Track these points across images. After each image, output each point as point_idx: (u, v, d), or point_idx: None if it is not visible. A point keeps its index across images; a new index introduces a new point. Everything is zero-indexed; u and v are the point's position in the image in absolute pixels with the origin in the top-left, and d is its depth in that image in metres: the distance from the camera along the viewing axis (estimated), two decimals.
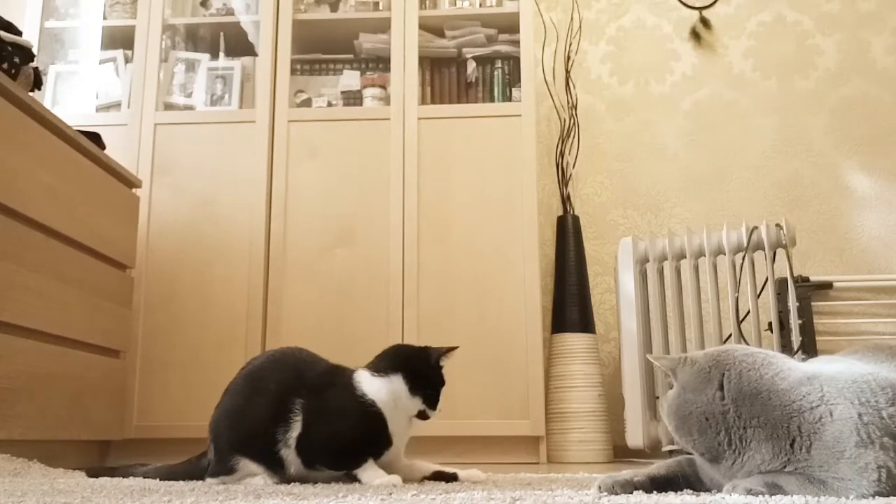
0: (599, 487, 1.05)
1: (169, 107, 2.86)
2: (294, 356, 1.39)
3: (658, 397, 2.43)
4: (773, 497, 0.93)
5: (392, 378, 1.31)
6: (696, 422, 0.99)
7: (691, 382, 1.02)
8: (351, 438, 1.28)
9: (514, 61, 2.89)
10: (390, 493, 1.07)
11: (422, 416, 1.32)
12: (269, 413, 1.30)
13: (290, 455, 1.29)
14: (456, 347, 1.38)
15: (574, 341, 2.72)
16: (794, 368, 1.01)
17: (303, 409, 1.29)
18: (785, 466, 0.95)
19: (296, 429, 1.29)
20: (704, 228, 2.50)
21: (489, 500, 0.98)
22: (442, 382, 1.34)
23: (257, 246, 2.64)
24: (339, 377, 1.33)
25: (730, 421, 0.98)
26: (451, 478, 1.34)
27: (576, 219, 2.95)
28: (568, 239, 2.90)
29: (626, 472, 1.07)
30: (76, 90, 2.89)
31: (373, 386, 1.30)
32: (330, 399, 1.29)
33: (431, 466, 1.37)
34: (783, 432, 0.95)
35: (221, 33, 2.97)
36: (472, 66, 2.90)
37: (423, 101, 2.85)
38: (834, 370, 1.01)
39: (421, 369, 1.33)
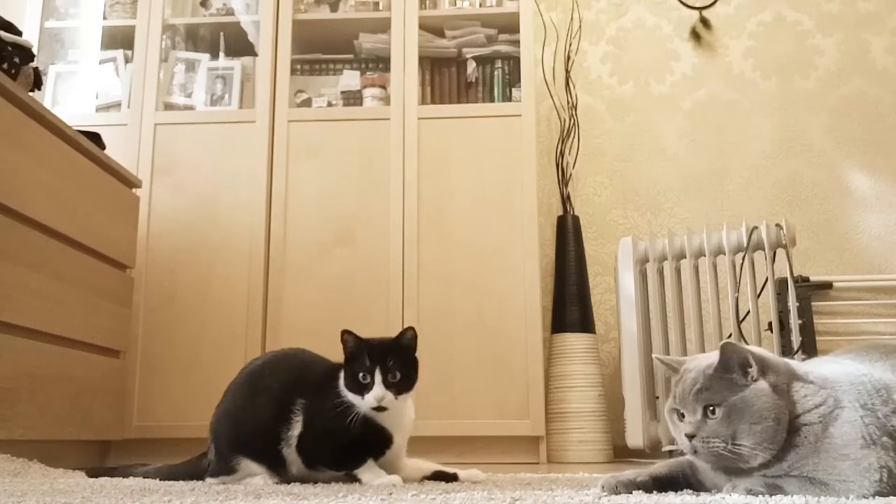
0: (603, 487, 1.05)
1: (169, 107, 2.86)
2: (296, 356, 1.39)
3: (658, 397, 2.43)
4: (773, 497, 0.93)
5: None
6: (783, 428, 0.96)
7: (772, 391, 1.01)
8: (351, 438, 1.28)
9: (514, 61, 2.89)
10: (390, 494, 1.07)
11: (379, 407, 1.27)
12: (270, 413, 1.30)
13: (291, 454, 1.29)
14: (410, 328, 1.32)
15: (574, 341, 2.72)
16: (812, 369, 1.01)
17: (304, 408, 1.29)
18: (787, 468, 0.95)
19: (297, 428, 1.29)
20: (704, 228, 2.50)
21: (489, 500, 0.98)
22: (404, 366, 1.28)
23: (257, 246, 2.64)
24: (339, 375, 1.33)
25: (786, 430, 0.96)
26: (451, 478, 1.34)
27: (576, 219, 2.95)
28: (568, 239, 2.90)
29: (630, 472, 1.07)
30: (76, 90, 2.89)
31: None
32: (331, 400, 1.29)
33: (432, 466, 1.37)
34: (811, 437, 0.95)
35: (221, 33, 2.97)
36: (472, 66, 2.90)
37: (423, 101, 2.85)
38: (833, 372, 1.01)
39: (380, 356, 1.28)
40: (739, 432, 0.95)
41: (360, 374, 1.26)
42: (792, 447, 0.95)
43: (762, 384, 0.97)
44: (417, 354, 1.33)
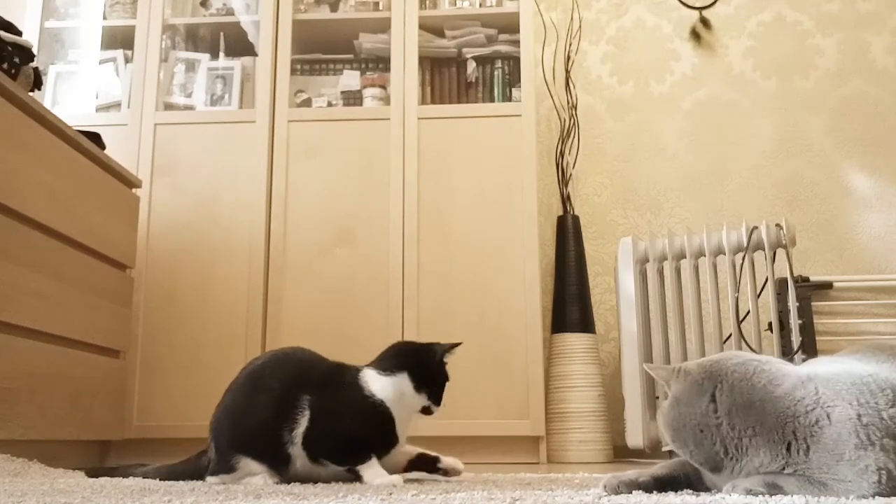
0: (605, 487, 1.05)
1: (169, 107, 2.86)
2: (297, 355, 1.39)
3: (658, 397, 2.43)
4: (773, 497, 0.93)
5: (398, 376, 1.32)
6: (691, 433, 1.00)
7: (685, 394, 1.02)
8: (359, 437, 1.29)
9: (514, 61, 2.89)
10: (390, 493, 1.07)
11: (426, 411, 1.35)
12: (272, 411, 1.30)
13: (296, 451, 1.30)
14: (459, 343, 1.39)
15: (574, 341, 2.72)
16: (789, 373, 1.00)
17: (310, 405, 1.30)
18: (783, 469, 0.95)
19: (302, 424, 1.29)
20: (704, 228, 2.50)
21: (489, 500, 0.98)
22: (446, 378, 1.36)
23: (257, 246, 2.64)
24: (346, 376, 1.34)
25: (724, 432, 0.98)
26: (433, 460, 1.38)
27: (576, 219, 2.95)
28: (568, 239, 2.90)
29: (631, 472, 1.07)
30: (76, 90, 2.89)
31: (379, 385, 1.31)
32: (339, 397, 1.30)
33: (414, 450, 1.40)
34: (778, 437, 0.95)
35: (221, 33, 2.97)
36: (472, 66, 2.90)
37: (423, 101, 2.85)
38: (832, 371, 1.01)
39: (425, 366, 1.35)
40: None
41: (445, 383, 1.37)
42: (765, 446, 0.96)
43: (666, 401, 1.06)
44: None
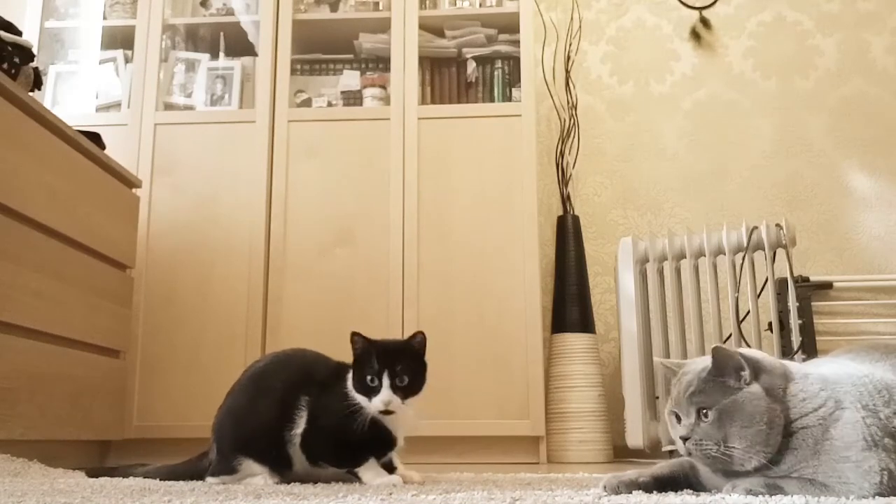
0: (605, 487, 1.05)
1: (169, 107, 2.86)
2: (298, 356, 1.39)
3: (658, 397, 2.43)
4: (773, 497, 0.93)
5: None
6: (779, 432, 0.96)
7: (773, 389, 1.00)
8: (355, 437, 1.28)
9: (514, 61, 2.89)
10: (390, 493, 1.07)
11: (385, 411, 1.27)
12: (274, 413, 1.30)
13: (295, 452, 1.30)
14: (420, 332, 1.32)
15: (574, 341, 2.72)
16: (811, 375, 1.00)
17: (308, 405, 1.30)
18: (791, 471, 0.95)
19: (300, 426, 1.29)
20: (704, 228, 2.50)
21: (489, 500, 0.98)
22: (410, 371, 1.28)
23: (257, 246, 2.64)
24: (346, 376, 1.33)
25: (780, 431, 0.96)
26: (391, 469, 1.33)
27: (576, 219, 2.95)
28: (568, 239, 2.90)
29: (631, 472, 1.07)
30: (76, 90, 2.89)
31: None
32: (336, 397, 1.29)
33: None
34: (810, 440, 0.94)
35: (221, 33, 2.97)
36: (472, 66, 2.90)
37: (423, 101, 2.85)
38: (833, 373, 1.01)
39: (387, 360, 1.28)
40: (730, 435, 0.96)
41: (368, 377, 1.26)
42: (790, 450, 0.95)
43: (755, 388, 0.98)
44: (426, 358, 1.33)
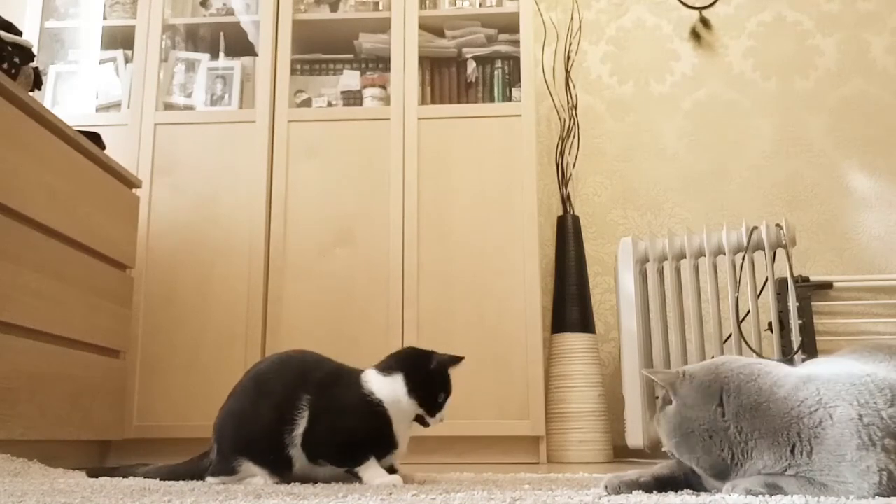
0: (606, 487, 1.05)
1: (169, 107, 2.86)
2: (300, 358, 1.39)
3: (658, 397, 2.43)
4: (773, 497, 0.93)
5: (394, 377, 1.31)
6: (699, 439, 0.99)
7: (691, 398, 1.02)
8: (355, 435, 1.28)
9: (514, 61, 2.89)
10: (390, 493, 1.07)
11: (421, 421, 1.32)
12: (275, 414, 1.30)
13: (296, 452, 1.30)
14: (462, 358, 1.36)
15: (574, 341, 2.72)
16: (790, 375, 1.00)
17: (309, 405, 1.30)
18: (786, 470, 0.95)
19: (302, 425, 1.29)
20: (704, 228, 2.50)
21: (489, 500, 0.98)
22: (444, 389, 1.33)
23: (257, 246, 2.64)
24: (347, 376, 1.33)
25: (731, 436, 0.97)
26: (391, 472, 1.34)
27: (576, 219, 2.95)
28: (568, 239, 2.90)
29: (632, 472, 1.07)
30: (76, 90, 2.89)
31: (378, 384, 1.31)
32: (337, 396, 1.30)
33: None
34: (783, 439, 0.95)
35: (221, 33, 2.97)
36: (472, 66, 2.90)
37: (423, 101, 2.85)
38: (832, 372, 1.01)
39: (420, 370, 1.32)
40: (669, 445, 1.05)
41: (441, 395, 1.33)
42: (769, 449, 0.96)
43: (670, 406, 1.05)
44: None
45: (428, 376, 1.32)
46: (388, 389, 1.30)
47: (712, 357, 2.40)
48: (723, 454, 0.98)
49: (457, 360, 1.35)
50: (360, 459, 1.29)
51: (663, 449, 1.08)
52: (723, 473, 0.99)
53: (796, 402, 0.96)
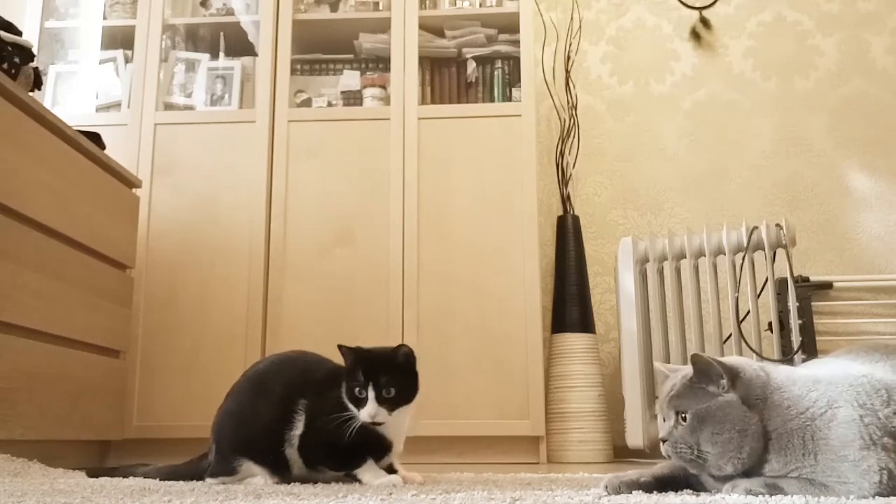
0: (606, 487, 1.05)
1: (169, 107, 2.86)
2: (298, 358, 1.39)
3: (658, 397, 2.43)
4: (773, 497, 0.93)
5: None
6: (749, 439, 0.97)
7: (746, 396, 1.00)
8: (350, 440, 1.27)
9: (514, 61, 2.89)
10: (390, 493, 1.07)
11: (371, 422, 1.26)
12: (273, 415, 1.30)
13: (293, 455, 1.29)
14: (403, 344, 1.31)
15: (574, 341, 2.72)
16: (799, 377, 1.00)
17: (306, 409, 1.29)
18: (789, 472, 0.95)
19: (298, 428, 1.29)
20: (704, 228, 2.50)
21: (489, 500, 0.98)
22: (397, 383, 1.27)
23: (257, 246, 2.64)
24: (342, 379, 1.33)
25: (757, 438, 0.97)
26: (391, 472, 1.33)
27: (576, 219, 2.95)
28: (568, 239, 2.90)
29: (633, 472, 1.07)
30: (76, 90, 2.89)
31: None
32: (332, 400, 1.29)
33: None
34: (798, 441, 0.95)
35: (221, 33, 2.97)
36: (472, 66, 2.90)
37: (423, 101, 2.85)
38: (831, 373, 1.01)
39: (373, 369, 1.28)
40: (702, 441, 0.98)
41: (356, 389, 1.26)
42: (776, 452, 0.96)
43: (730, 396, 0.99)
44: (418, 366, 1.33)
45: (378, 373, 1.28)
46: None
47: None
48: (753, 454, 0.97)
49: (399, 347, 1.30)
50: (358, 462, 1.28)
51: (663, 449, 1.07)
52: (729, 476, 0.99)
53: (809, 402, 0.96)
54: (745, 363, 1.03)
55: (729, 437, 0.96)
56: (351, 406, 1.27)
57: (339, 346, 1.31)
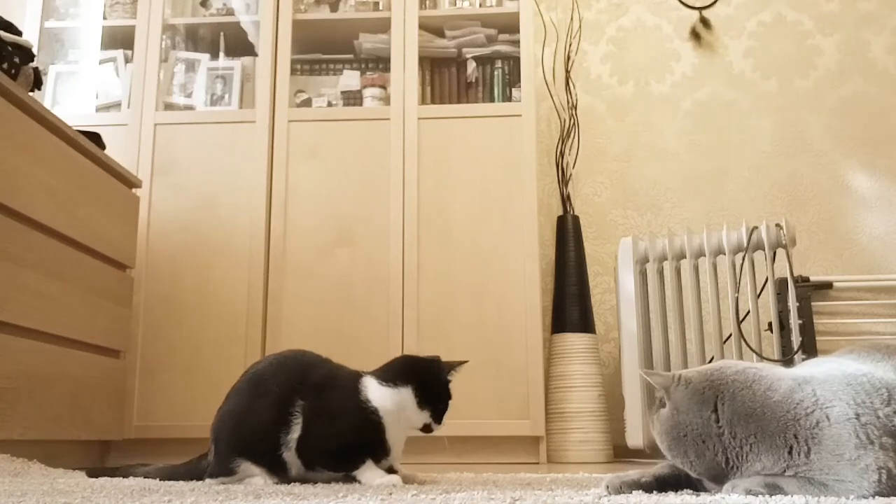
0: (607, 487, 1.05)
1: (169, 107, 2.86)
2: (298, 359, 1.38)
3: (659, 398, 2.43)
4: (773, 497, 0.93)
5: (401, 389, 1.29)
6: (692, 444, 1.00)
7: (685, 403, 1.02)
8: (349, 441, 1.27)
9: (514, 61, 2.89)
10: (390, 493, 1.07)
11: (426, 429, 1.31)
12: (271, 415, 1.30)
13: (291, 457, 1.29)
14: (466, 362, 1.38)
15: (574, 341, 2.72)
16: (785, 377, 1.01)
17: (304, 410, 1.29)
18: (785, 471, 0.95)
19: (296, 430, 1.29)
20: (704, 228, 2.50)
21: (489, 500, 0.98)
22: (450, 396, 1.33)
23: (257, 246, 2.64)
24: (344, 380, 1.32)
25: (726, 442, 0.98)
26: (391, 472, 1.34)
27: (576, 219, 2.95)
28: (568, 239, 2.90)
29: (633, 472, 1.07)
30: (76, 90, 2.89)
31: (378, 394, 1.29)
32: (332, 401, 1.29)
33: None
34: (780, 442, 0.95)
35: (221, 33, 2.97)
36: (472, 66, 2.90)
37: (423, 101, 2.85)
38: (827, 372, 1.01)
39: (431, 383, 1.32)
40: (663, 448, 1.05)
41: (447, 401, 1.33)
42: (769, 451, 0.96)
43: (664, 409, 1.05)
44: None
45: (439, 386, 1.32)
46: (392, 401, 1.29)
47: (712, 358, 2.40)
48: (717, 458, 0.98)
49: (461, 363, 1.36)
50: (357, 463, 1.28)
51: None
52: (718, 477, 1.00)
53: (792, 404, 0.96)
54: (706, 368, 1.05)
55: (668, 444, 1.03)
56: (425, 415, 1.31)
57: (435, 360, 1.37)
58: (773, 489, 0.95)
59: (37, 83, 2.10)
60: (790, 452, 0.95)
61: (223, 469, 1.32)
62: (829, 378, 0.99)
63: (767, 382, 1.00)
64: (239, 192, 2.69)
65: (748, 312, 2.38)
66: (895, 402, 0.96)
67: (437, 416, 1.31)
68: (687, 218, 3.08)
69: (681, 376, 1.05)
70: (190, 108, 2.86)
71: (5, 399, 1.74)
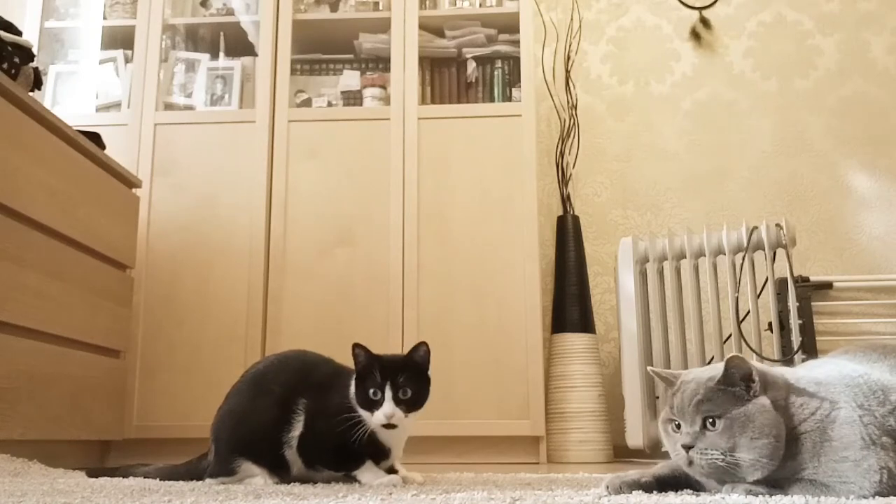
0: (608, 487, 1.05)
1: (169, 107, 2.86)
2: (298, 358, 1.39)
3: (658, 397, 2.43)
4: (773, 497, 0.93)
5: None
6: (783, 443, 0.95)
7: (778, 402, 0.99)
8: (350, 441, 1.27)
9: (514, 61, 2.89)
10: (390, 493, 1.07)
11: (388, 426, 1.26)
12: (272, 415, 1.30)
13: (292, 455, 1.29)
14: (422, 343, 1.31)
15: (574, 341, 2.72)
16: (804, 376, 1.00)
17: (305, 409, 1.29)
18: (795, 474, 0.95)
19: (298, 428, 1.29)
20: (704, 228, 2.50)
21: (489, 500, 0.98)
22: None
23: (257, 246, 2.64)
24: (345, 379, 1.32)
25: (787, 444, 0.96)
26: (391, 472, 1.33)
27: (576, 219, 2.95)
28: (568, 239, 2.90)
29: (634, 473, 1.07)
30: (76, 90, 2.89)
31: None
32: (333, 400, 1.29)
33: None
34: (809, 444, 0.94)
35: (221, 33, 2.97)
36: (472, 66, 2.90)
37: (423, 101, 2.85)
38: (828, 374, 1.01)
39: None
40: (739, 446, 0.95)
41: (371, 391, 1.24)
42: (790, 457, 0.95)
43: (764, 399, 0.97)
44: (429, 372, 1.31)
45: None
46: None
47: (712, 358, 2.40)
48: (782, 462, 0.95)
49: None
50: (357, 463, 1.28)
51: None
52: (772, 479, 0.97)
53: (817, 405, 0.96)
54: (766, 366, 1.02)
55: (766, 443, 0.93)
56: (362, 411, 1.25)
57: (355, 345, 1.28)
58: (774, 489, 0.95)
59: (37, 83, 2.10)
60: (811, 455, 0.94)
61: (223, 469, 1.32)
62: (832, 380, 0.99)
63: (794, 383, 0.99)
64: (239, 192, 2.69)
65: (748, 312, 2.38)
66: (890, 403, 0.96)
67: (404, 404, 1.25)
68: (687, 218, 3.08)
69: (770, 374, 1.01)
70: (190, 108, 2.86)
71: (5, 399, 1.74)
